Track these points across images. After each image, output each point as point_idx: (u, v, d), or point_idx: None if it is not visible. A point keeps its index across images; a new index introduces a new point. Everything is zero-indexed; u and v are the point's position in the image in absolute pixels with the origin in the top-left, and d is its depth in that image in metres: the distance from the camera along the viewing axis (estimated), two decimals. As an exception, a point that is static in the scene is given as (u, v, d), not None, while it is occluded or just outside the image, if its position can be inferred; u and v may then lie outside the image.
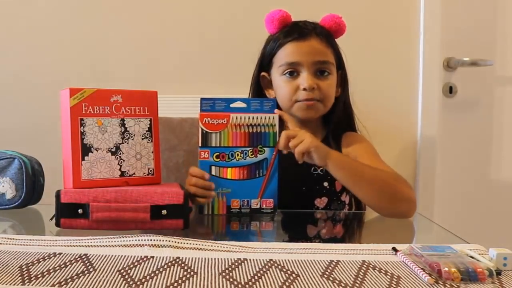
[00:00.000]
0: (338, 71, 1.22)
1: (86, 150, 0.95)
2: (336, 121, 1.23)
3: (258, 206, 1.02)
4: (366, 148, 1.19)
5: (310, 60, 1.16)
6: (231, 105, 1.03)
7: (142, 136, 1.01)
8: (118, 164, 0.98)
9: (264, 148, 1.02)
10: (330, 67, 1.18)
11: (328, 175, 1.11)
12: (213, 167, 1.01)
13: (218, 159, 1.01)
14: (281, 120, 1.05)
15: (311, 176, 1.18)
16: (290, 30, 1.19)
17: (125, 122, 0.99)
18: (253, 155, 1.02)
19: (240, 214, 1.02)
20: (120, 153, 0.98)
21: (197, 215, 1.02)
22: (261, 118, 1.02)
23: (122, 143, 0.99)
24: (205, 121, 1.01)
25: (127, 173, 0.99)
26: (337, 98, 1.23)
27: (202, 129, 1.01)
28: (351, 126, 1.27)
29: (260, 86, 1.27)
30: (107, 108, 0.97)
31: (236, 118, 1.01)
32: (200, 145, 1.01)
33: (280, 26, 1.20)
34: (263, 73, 1.25)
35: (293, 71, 1.17)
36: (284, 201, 1.05)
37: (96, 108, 0.96)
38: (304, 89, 1.15)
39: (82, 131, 0.94)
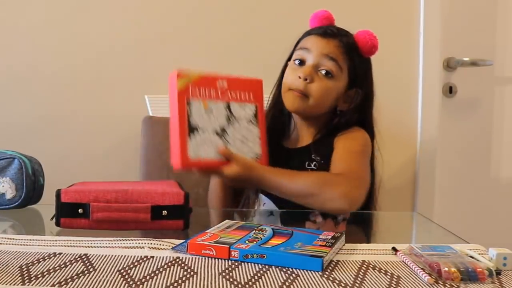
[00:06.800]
0: (353, 88, 1.20)
1: (192, 130, 0.96)
2: (331, 129, 1.20)
3: None
4: (346, 145, 1.16)
5: (320, 50, 1.15)
6: None
7: (247, 121, 1.03)
8: (224, 146, 0.99)
9: None
10: (336, 69, 1.16)
11: (322, 168, 1.13)
12: None
13: None
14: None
15: (306, 171, 1.17)
16: (320, 27, 1.21)
17: (230, 106, 1.01)
18: None
19: None
20: (226, 135, 1.00)
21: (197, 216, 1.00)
22: None
23: (228, 126, 1.00)
24: None
25: None
26: (342, 111, 1.20)
27: None
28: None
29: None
30: (212, 92, 0.99)
31: None
32: None
33: (320, 23, 1.22)
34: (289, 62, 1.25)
35: (302, 61, 1.17)
36: (281, 198, 1.05)
37: (202, 90, 0.98)
38: (299, 77, 1.14)
39: (189, 112, 0.96)
